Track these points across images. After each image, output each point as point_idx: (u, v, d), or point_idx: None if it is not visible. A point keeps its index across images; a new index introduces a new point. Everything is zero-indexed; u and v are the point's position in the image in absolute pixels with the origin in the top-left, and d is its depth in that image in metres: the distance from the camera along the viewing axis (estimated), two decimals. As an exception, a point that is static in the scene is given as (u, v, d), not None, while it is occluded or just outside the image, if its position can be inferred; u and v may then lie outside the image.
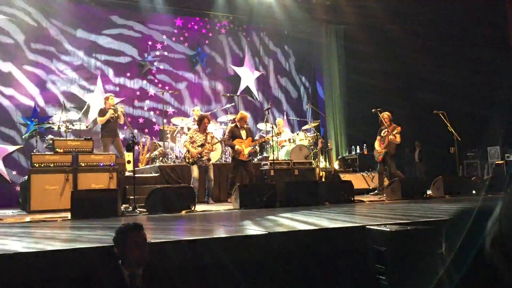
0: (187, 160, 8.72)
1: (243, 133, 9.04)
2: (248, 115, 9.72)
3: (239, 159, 8.89)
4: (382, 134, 9.52)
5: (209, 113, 11.54)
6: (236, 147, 8.83)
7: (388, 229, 3.70)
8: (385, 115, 9.55)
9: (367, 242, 3.90)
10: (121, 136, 11.90)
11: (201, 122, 8.82)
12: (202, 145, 8.63)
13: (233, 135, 8.97)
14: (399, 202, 7.60)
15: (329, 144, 12.31)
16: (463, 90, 11.90)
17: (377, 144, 9.62)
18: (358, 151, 12.23)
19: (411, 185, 8.55)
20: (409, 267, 3.58)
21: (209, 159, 8.83)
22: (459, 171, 9.69)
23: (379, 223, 4.19)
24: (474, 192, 8.31)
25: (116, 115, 9.38)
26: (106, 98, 9.72)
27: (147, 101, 12.66)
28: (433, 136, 11.63)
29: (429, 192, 8.70)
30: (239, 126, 9.11)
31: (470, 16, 11.78)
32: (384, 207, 6.89)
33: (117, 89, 12.29)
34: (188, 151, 8.61)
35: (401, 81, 13.09)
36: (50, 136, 9.15)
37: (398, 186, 8.29)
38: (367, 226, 3.95)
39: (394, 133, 9.26)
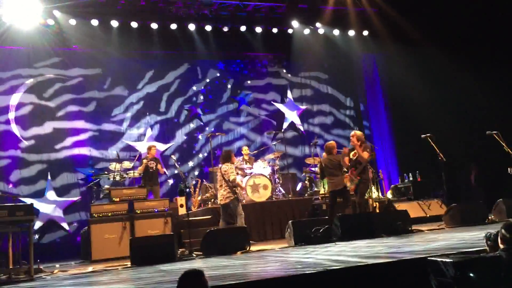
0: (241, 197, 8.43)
1: None
2: None
3: None
4: (351, 156, 8.25)
5: (256, 151, 11.65)
6: None
7: (451, 260, 3.57)
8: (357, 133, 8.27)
9: (429, 274, 3.77)
10: (172, 180, 12.22)
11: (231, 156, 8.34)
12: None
13: None
14: (459, 230, 7.30)
15: (379, 174, 12.07)
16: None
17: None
18: (411, 178, 11.89)
19: (471, 210, 8.20)
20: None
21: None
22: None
23: (441, 254, 4.06)
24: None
25: (154, 165, 9.71)
26: (149, 148, 10.10)
27: (195, 145, 12.96)
28: (488, 158, 11.17)
29: (491, 216, 8.32)
30: None
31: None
32: (444, 235, 6.64)
33: (166, 135, 12.66)
34: (240, 187, 8.52)
35: (448, 104, 12.74)
36: (106, 186, 9.54)
37: (457, 212, 8.00)
38: (428, 258, 3.83)
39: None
